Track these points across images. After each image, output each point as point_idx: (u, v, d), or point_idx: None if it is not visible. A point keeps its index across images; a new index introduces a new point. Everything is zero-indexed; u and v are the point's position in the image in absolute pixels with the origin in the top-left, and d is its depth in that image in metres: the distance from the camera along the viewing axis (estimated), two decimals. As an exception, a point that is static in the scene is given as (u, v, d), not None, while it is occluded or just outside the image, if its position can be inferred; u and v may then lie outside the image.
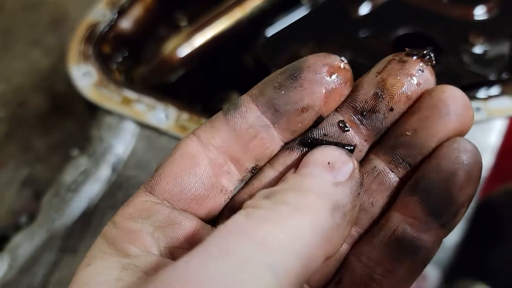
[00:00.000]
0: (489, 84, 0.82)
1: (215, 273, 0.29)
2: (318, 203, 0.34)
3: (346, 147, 0.40)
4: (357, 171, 0.37)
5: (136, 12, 0.96)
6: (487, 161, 1.00)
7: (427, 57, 0.39)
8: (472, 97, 0.81)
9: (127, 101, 0.84)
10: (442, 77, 0.84)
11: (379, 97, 0.39)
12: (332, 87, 0.38)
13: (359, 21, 0.94)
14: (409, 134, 0.39)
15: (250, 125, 0.40)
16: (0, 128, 1.41)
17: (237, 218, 0.33)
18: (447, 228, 0.38)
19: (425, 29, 0.92)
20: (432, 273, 0.98)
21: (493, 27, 0.89)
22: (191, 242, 0.39)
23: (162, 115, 0.82)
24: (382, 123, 0.40)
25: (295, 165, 0.39)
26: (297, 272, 0.31)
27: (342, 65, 0.39)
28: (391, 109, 0.40)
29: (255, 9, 0.93)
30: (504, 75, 0.83)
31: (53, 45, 1.50)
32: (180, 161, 0.40)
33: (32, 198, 1.13)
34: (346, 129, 0.41)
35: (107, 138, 0.82)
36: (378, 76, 0.40)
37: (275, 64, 0.89)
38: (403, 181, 0.41)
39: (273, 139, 0.41)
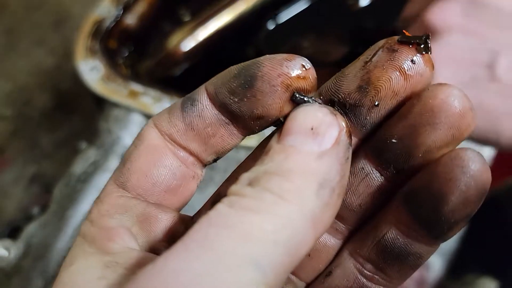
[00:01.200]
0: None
1: (196, 270, 0.28)
2: (303, 186, 0.31)
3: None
4: (343, 132, 0.33)
5: (140, 8, 0.98)
6: (489, 153, 1.02)
7: (423, 44, 0.34)
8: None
9: (133, 94, 0.86)
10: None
11: (363, 91, 0.35)
12: (288, 97, 0.35)
13: (359, 13, 0.96)
14: (394, 141, 0.35)
15: (208, 124, 0.37)
16: (7, 127, 1.43)
17: (220, 209, 0.31)
18: (440, 239, 0.36)
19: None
20: (435, 262, 1.00)
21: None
22: (170, 234, 0.38)
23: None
24: (366, 118, 0.36)
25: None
26: (284, 263, 0.29)
27: (302, 73, 0.34)
28: (376, 105, 0.35)
29: (257, 2, 0.95)
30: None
31: (57, 44, 1.53)
32: (146, 154, 0.38)
33: (43, 192, 1.16)
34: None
35: (115, 130, 0.84)
36: (364, 67, 0.35)
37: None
38: (392, 184, 0.38)
39: (234, 135, 0.39)
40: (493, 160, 1.00)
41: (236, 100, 0.35)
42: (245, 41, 0.93)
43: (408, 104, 0.35)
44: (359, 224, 0.40)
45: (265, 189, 0.31)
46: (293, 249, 0.30)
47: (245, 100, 0.35)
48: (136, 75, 0.91)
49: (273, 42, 0.92)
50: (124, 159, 0.39)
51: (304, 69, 0.34)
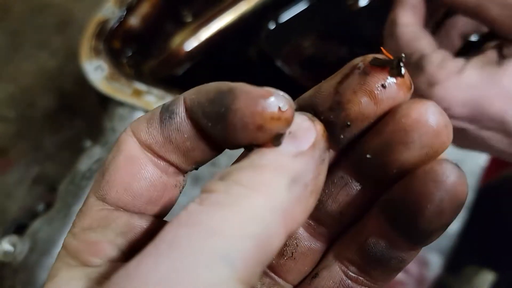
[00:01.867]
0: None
1: (165, 271, 0.28)
2: (273, 179, 0.31)
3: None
4: (320, 136, 0.33)
5: (144, 9, 1.00)
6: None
7: (395, 68, 0.33)
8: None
9: (137, 93, 0.87)
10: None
11: (335, 112, 0.35)
12: (259, 136, 0.34)
13: (359, 13, 0.97)
14: (369, 156, 0.35)
15: (187, 138, 0.36)
16: (11, 128, 1.45)
17: (190, 207, 0.30)
18: (420, 245, 0.36)
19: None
20: (434, 260, 1.01)
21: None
22: None
23: (172, 105, 0.85)
24: (339, 136, 0.36)
25: None
26: (254, 257, 0.29)
27: (278, 114, 0.32)
28: (348, 125, 0.35)
29: (258, 2, 0.96)
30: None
31: (60, 46, 1.54)
32: (125, 166, 0.36)
33: (48, 190, 1.17)
34: None
35: (120, 128, 0.86)
36: (337, 87, 0.34)
37: (279, 56, 0.92)
38: (371, 193, 0.38)
39: (213, 149, 0.38)
40: (491, 158, 1.02)
41: (210, 124, 0.34)
42: (246, 41, 0.95)
43: (383, 121, 0.34)
44: (341, 229, 0.40)
45: (234, 182, 0.31)
46: (263, 243, 0.29)
47: (218, 127, 0.34)
48: (139, 75, 0.93)
49: (274, 42, 0.94)
50: (103, 170, 0.37)
51: (279, 110, 0.32)
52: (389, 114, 0.34)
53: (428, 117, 0.32)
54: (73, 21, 1.59)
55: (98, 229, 0.36)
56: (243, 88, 0.33)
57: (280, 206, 0.30)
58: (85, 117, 1.41)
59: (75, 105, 1.47)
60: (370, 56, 0.33)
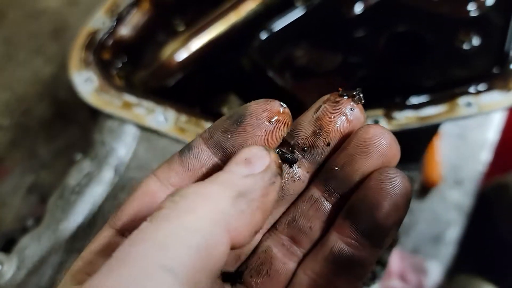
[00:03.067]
0: (480, 79, 0.84)
1: (113, 285, 0.30)
2: (219, 192, 0.36)
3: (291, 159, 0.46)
4: (273, 164, 0.40)
5: (135, 18, 0.99)
6: (485, 156, 1.02)
7: (357, 97, 0.45)
8: (463, 93, 0.83)
9: (127, 105, 0.86)
10: (433, 75, 0.87)
11: (317, 135, 0.45)
12: (271, 130, 0.43)
13: (352, 22, 0.96)
14: (337, 169, 0.44)
15: (203, 164, 0.43)
16: (5, 136, 1.44)
17: (142, 225, 0.34)
18: (380, 246, 0.43)
19: (416, 27, 0.94)
20: (433, 268, 1.00)
21: (483, 23, 0.91)
22: None
23: (162, 117, 0.84)
24: (321, 156, 0.46)
25: None
26: (196, 265, 0.32)
27: (281, 110, 0.43)
28: (328, 144, 0.45)
29: (250, 12, 0.95)
30: (495, 70, 0.85)
31: (55, 54, 1.53)
32: (140, 198, 0.43)
33: (38, 203, 1.16)
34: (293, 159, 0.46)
35: (109, 141, 0.84)
36: (315, 115, 0.45)
37: (271, 66, 0.91)
38: (336, 208, 0.46)
39: None
40: (489, 164, 1.01)
41: (229, 136, 0.43)
42: (239, 51, 0.93)
43: (347, 140, 0.44)
44: (311, 246, 0.47)
45: (181, 197, 0.35)
46: (205, 252, 0.33)
47: (237, 135, 0.43)
48: (130, 86, 0.91)
49: (266, 52, 0.93)
50: (120, 203, 0.44)
51: (281, 107, 0.43)
52: (352, 135, 0.44)
53: (382, 134, 0.43)
54: (68, 28, 1.58)
55: (103, 253, 0.41)
56: (250, 102, 0.44)
57: (223, 218, 0.35)
58: (79, 125, 1.39)
59: (70, 113, 1.46)
60: (335, 93, 0.45)
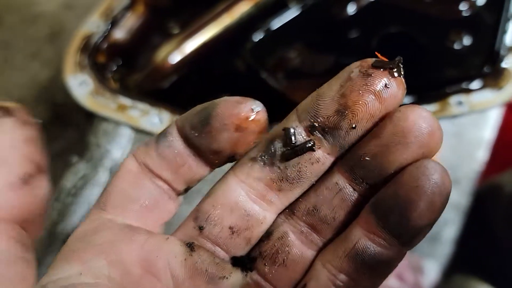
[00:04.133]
0: (471, 78, 0.85)
1: None
2: None
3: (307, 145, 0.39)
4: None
5: (130, 22, 1.00)
6: (482, 155, 1.02)
7: (395, 69, 0.36)
8: (455, 92, 0.84)
9: (122, 108, 0.87)
10: (424, 75, 0.88)
11: (341, 115, 0.37)
12: (236, 138, 0.39)
13: (344, 23, 0.97)
14: (368, 159, 0.38)
15: (177, 154, 0.41)
16: (3, 140, 1.44)
17: None
18: (409, 246, 0.38)
19: (408, 27, 0.94)
20: (430, 267, 1.00)
21: (474, 23, 0.92)
22: (143, 256, 0.40)
23: (156, 119, 0.85)
24: (344, 139, 0.38)
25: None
26: None
27: (252, 116, 0.38)
28: (354, 127, 0.38)
29: (243, 14, 0.96)
30: (485, 69, 0.86)
31: (52, 57, 1.53)
32: (125, 177, 0.42)
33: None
34: (311, 143, 0.40)
35: (104, 144, 0.85)
36: (341, 91, 0.37)
37: (264, 67, 0.92)
38: (364, 198, 0.39)
39: (200, 167, 0.42)
40: (486, 163, 1.01)
41: (196, 135, 0.40)
42: (232, 53, 0.94)
43: (381, 125, 0.37)
44: (332, 236, 0.41)
45: None
46: None
47: (203, 135, 0.39)
48: (125, 89, 0.92)
49: (259, 53, 0.93)
50: (106, 185, 0.43)
51: (252, 112, 0.39)
52: (387, 118, 0.37)
53: (424, 120, 0.36)
54: (64, 32, 1.58)
55: (86, 238, 0.40)
56: (223, 99, 0.39)
57: None
58: (76, 129, 1.40)
59: (67, 116, 1.46)
60: (369, 60, 0.37)
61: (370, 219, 0.38)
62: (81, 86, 0.90)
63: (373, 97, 0.36)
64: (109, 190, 0.42)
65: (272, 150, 0.41)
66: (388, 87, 0.36)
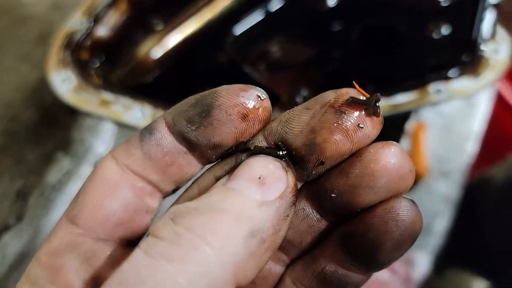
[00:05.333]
0: (449, 66, 0.86)
1: None
2: (232, 229, 0.30)
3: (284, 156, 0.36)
4: (290, 189, 0.33)
5: (112, 19, 1.00)
6: (471, 147, 1.03)
7: (372, 107, 0.33)
8: (433, 80, 0.85)
9: (105, 103, 0.87)
10: (404, 64, 0.89)
11: (309, 149, 0.35)
12: (243, 128, 0.36)
13: (326, 15, 0.97)
14: (334, 195, 0.36)
15: (166, 152, 0.37)
16: (-7, 142, 1.44)
17: (135, 257, 0.30)
18: (378, 271, 0.37)
19: (388, 18, 0.95)
20: (421, 259, 1.00)
21: (452, 13, 0.93)
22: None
23: (139, 113, 0.86)
24: (311, 172, 0.36)
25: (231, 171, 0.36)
26: None
27: (257, 105, 0.35)
28: (322, 163, 0.35)
29: (224, 8, 0.97)
30: (464, 58, 0.87)
31: (42, 59, 1.53)
32: (101, 187, 0.37)
33: (20, 201, 1.17)
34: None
35: (88, 139, 0.86)
36: (311, 124, 0.35)
37: (246, 60, 0.92)
38: (332, 224, 0.38)
39: (192, 164, 0.38)
40: (475, 155, 1.02)
41: (194, 128, 0.36)
42: (214, 47, 0.95)
43: (351, 161, 0.35)
44: (299, 255, 0.40)
45: (187, 229, 0.30)
46: None
47: (202, 128, 0.36)
48: (108, 84, 0.93)
49: (240, 46, 0.94)
50: (78, 192, 0.38)
51: (259, 99, 0.35)
52: (356, 156, 0.34)
53: (395, 163, 0.33)
54: (53, 33, 1.59)
55: (62, 254, 0.36)
56: (222, 87, 0.35)
57: (232, 260, 0.30)
58: (64, 129, 1.40)
59: (56, 117, 1.47)
60: (344, 93, 0.34)
61: (338, 251, 0.37)
62: (64, 83, 0.90)
63: (345, 137, 0.34)
64: (81, 200, 0.37)
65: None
66: (361, 127, 0.34)
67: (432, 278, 0.97)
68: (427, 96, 0.84)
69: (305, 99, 0.96)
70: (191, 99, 0.36)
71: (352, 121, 0.33)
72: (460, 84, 0.84)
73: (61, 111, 1.44)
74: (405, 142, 0.94)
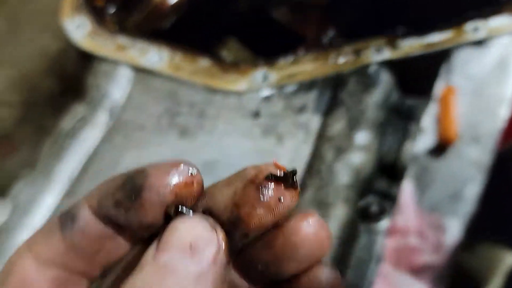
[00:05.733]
0: (487, 4, 0.80)
1: None
2: None
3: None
4: (221, 251, 0.34)
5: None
6: (504, 112, 0.98)
7: (290, 182, 0.36)
8: (470, 17, 0.79)
9: (121, 48, 0.84)
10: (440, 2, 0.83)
11: (234, 224, 0.35)
12: (177, 204, 0.35)
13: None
14: (260, 267, 0.37)
15: (93, 240, 0.35)
16: (14, 113, 1.43)
17: None
18: None
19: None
20: (452, 225, 0.96)
21: None
22: None
23: (156, 57, 0.82)
24: (237, 244, 0.37)
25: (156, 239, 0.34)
26: None
27: (189, 180, 0.35)
28: (246, 235, 0.36)
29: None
30: (503, -5, 0.81)
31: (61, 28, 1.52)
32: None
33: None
34: None
35: (104, 85, 0.83)
36: (234, 199, 0.35)
37: (268, 2, 0.88)
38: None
39: (121, 246, 0.36)
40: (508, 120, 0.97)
41: (123, 211, 0.34)
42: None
43: (274, 233, 0.37)
44: None
45: None
46: None
47: (133, 211, 0.34)
48: (124, 31, 0.89)
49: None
50: None
51: (191, 175, 0.35)
52: (278, 228, 0.36)
53: (314, 233, 0.36)
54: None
55: None
56: (152, 165, 0.34)
57: None
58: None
59: (77, 87, 1.45)
60: (264, 169, 0.36)
61: None
62: (78, 29, 0.87)
63: (267, 211, 0.35)
64: None
65: None
66: (281, 201, 0.35)
67: (463, 254, 0.94)
68: (464, 34, 0.78)
69: (332, 40, 0.92)
70: (117, 179, 0.35)
71: (272, 195, 0.35)
72: (498, 22, 0.79)
73: (83, 81, 1.43)
74: (434, 107, 0.90)
